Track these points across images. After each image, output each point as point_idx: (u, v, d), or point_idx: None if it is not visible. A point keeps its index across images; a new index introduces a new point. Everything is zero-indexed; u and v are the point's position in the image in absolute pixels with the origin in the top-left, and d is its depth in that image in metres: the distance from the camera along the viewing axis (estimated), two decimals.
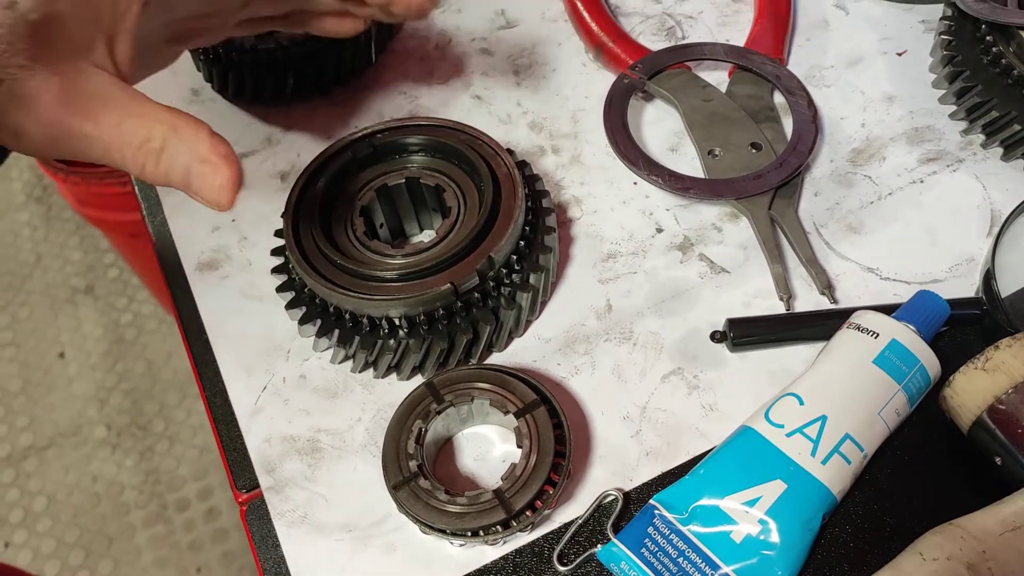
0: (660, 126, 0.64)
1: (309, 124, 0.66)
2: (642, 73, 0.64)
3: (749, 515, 0.45)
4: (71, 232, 1.96)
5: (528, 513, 0.45)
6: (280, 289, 0.54)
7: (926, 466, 0.48)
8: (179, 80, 0.69)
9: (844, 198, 0.59)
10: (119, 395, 1.72)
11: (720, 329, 0.53)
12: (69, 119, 0.40)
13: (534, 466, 0.46)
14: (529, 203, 0.53)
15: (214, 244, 0.60)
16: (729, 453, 0.47)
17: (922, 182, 0.59)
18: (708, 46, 0.65)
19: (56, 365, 1.77)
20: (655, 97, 0.65)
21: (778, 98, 0.64)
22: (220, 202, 0.41)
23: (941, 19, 0.63)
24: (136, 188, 0.65)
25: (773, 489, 0.45)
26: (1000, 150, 0.59)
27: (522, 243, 0.52)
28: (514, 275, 0.52)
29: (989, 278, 0.51)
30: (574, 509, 0.48)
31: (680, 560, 0.44)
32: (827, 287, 0.54)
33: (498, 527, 0.45)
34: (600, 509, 0.48)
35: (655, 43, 0.68)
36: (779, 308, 0.54)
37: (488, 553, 0.47)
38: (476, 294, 0.51)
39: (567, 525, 0.48)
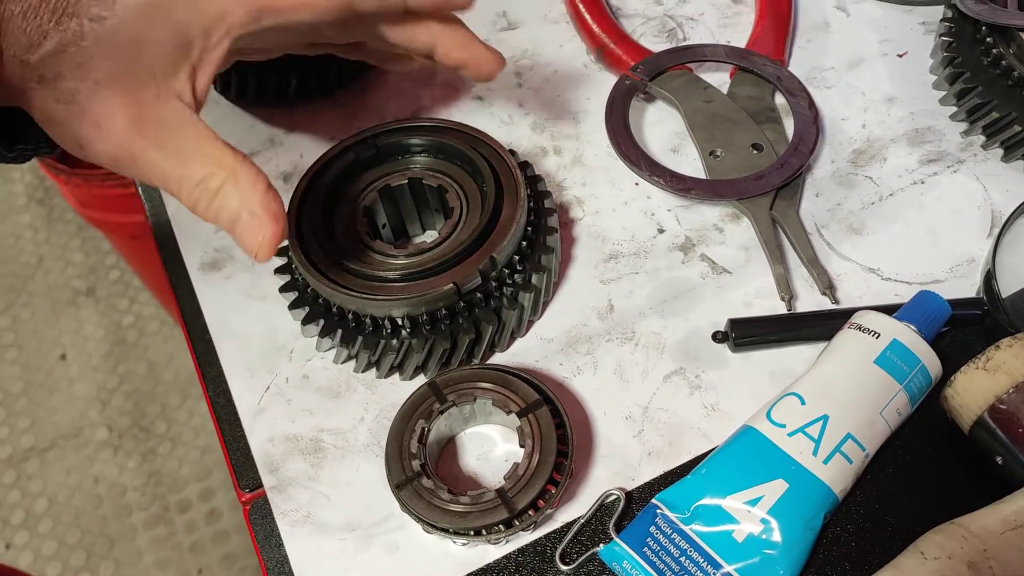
0: (661, 127, 0.64)
1: (312, 125, 0.66)
2: (644, 74, 0.64)
3: (751, 514, 0.45)
4: (73, 234, 1.97)
5: (530, 512, 0.45)
6: (283, 289, 0.54)
7: (927, 466, 0.48)
8: None
9: (845, 199, 0.59)
10: (120, 397, 1.72)
11: (722, 329, 0.54)
12: (139, 143, 0.40)
13: (536, 466, 0.46)
14: (531, 204, 0.53)
15: (217, 244, 0.61)
16: (731, 453, 0.47)
17: (923, 183, 0.59)
18: (709, 48, 0.66)
19: (58, 367, 1.77)
20: (656, 98, 0.65)
21: (779, 99, 0.64)
22: (258, 255, 0.42)
23: (941, 21, 0.63)
24: (140, 189, 0.65)
25: (775, 488, 0.45)
26: (1000, 151, 0.60)
27: (524, 243, 0.52)
28: (516, 275, 0.52)
29: (990, 278, 0.51)
30: (576, 508, 0.48)
31: (682, 559, 0.45)
32: (828, 287, 0.54)
33: (500, 526, 0.45)
34: (602, 508, 0.48)
35: (656, 45, 0.68)
36: (780, 308, 0.54)
37: (490, 552, 0.47)
38: (479, 294, 0.51)
39: (569, 524, 0.48)
